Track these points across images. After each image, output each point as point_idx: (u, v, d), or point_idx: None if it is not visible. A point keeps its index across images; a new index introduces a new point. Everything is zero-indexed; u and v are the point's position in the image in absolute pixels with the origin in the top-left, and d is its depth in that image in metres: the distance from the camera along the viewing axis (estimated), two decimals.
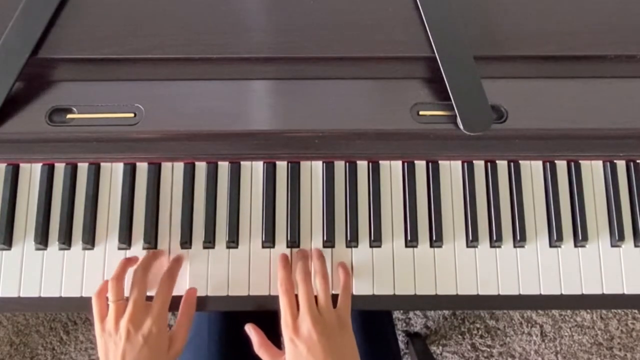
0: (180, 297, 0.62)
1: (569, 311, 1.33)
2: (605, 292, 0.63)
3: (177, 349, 0.59)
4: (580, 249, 0.64)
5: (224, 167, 0.65)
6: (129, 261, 0.61)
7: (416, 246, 0.64)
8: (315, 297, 0.59)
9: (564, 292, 0.63)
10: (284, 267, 0.61)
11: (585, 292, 0.63)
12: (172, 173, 0.65)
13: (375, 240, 0.64)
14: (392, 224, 0.64)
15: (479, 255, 0.64)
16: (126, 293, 0.59)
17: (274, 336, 0.65)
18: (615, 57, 0.61)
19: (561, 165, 0.66)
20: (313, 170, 0.66)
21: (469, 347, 1.32)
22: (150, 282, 0.60)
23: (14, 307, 0.63)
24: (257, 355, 0.62)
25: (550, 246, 0.64)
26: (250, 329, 0.62)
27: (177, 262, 0.63)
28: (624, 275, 0.64)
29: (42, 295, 0.63)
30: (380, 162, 0.66)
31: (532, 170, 0.66)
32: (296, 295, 0.59)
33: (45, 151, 0.63)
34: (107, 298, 0.58)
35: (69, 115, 0.60)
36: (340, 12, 0.60)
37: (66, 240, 0.63)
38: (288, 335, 0.57)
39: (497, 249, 0.64)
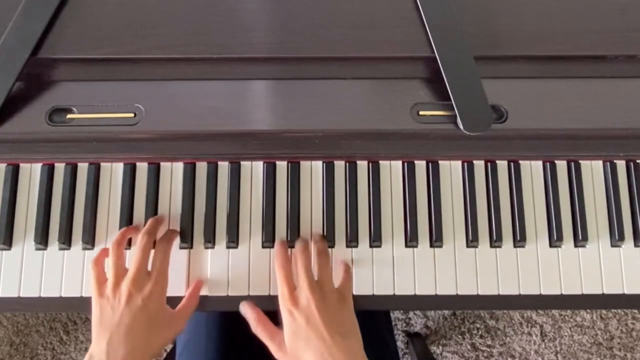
0: (179, 297, 0.62)
1: (569, 311, 1.33)
2: (605, 292, 0.63)
3: (176, 328, 0.58)
4: (580, 249, 0.64)
5: (224, 167, 0.65)
6: (129, 229, 0.62)
7: (416, 246, 0.64)
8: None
9: (564, 292, 0.63)
10: (281, 243, 0.61)
11: (585, 292, 0.63)
12: (172, 173, 0.65)
13: (375, 240, 0.64)
14: (392, 224, 0.64)
15: (479, 255, 0.64)
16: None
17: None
18: (615, 57, 0.61)
19: (561, 165, 0.66)
20: (313, 170, 0.66)
21: (469, 347, 1.32)
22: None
23: (14, 307, 0.63)
24: (256, 356, 0.61)
25: (550, 246, 0.64)
26: (245, 307, 0.60)
27: (173, 232, 0.63)
28: (624, 275, 0.64)
29: (42, 295, 0.63)
30: (380, 162, 0.66)
31: (532, 170, 0.66)
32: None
33: (45, 151, 0.63)
34: (104, 266, 0.59)
35: (69, 115, 0.60)
36: (340, 12, 0.60)
37: (66, 240, 0.63)
38: (286, 307, 0.55)
39: (497, 249, 0.64)
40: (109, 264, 0.59)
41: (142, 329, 0.54)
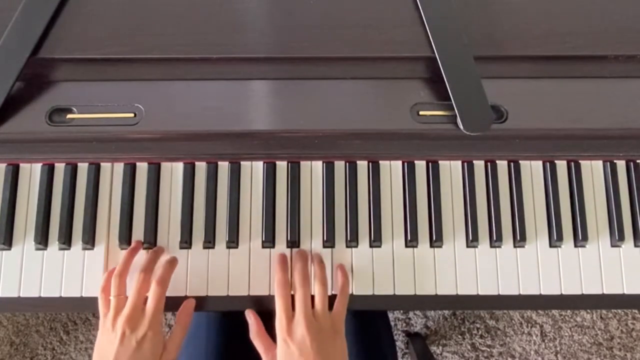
0: (179, 298, 0.62)
1: (569, 311, 1.33)
2: (605, 292, 0.63)
3: (170, 357, 0.59)
4: (580, 249, 0.64)
5: (224, 167, 0.65)
6: (131, 254, 0.61)
7: (416, 246, 0.64)
8: (312, 299, 0.59)
9: (564, 292, 0.63)
10: (282, 269, 0.61)
11: (585, 292, 0.63)
12: (172, 173, 0.65)
13: (375, 240, 0.64)
14: (392, 224, 0.64)
15: (479, 255, 0.64)
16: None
17: (272, 336, 0.65)
18: (615, 57, 0.61)
19: (561, 165, 0.66)
20: (313, 170, 0.66)
21: (469, 347, 1.32)
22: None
23: (14, 307, 0.63)
24: (255, 356, 0.62)
25: (550, 246, 0.64)
26: (250, 315, 0.62)
27: (170, 265, 0.61)
28: (624, 275, 0.64)
29: (42, 295, 0.63)
30: (380, 162, 0.66)
31: (532, 170, 0.66)
32: (292, 297, 0.59)
33: (45, 151, 0.63)
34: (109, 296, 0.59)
35: (69, 115, 0.60)
36: (340, 12, 0.60)
37: (66, 240, 0.63)
38: (282, 336, 0.57)
39: (497, 249, 0.64)
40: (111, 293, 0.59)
41: None
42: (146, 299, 0.58)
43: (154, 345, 0.57)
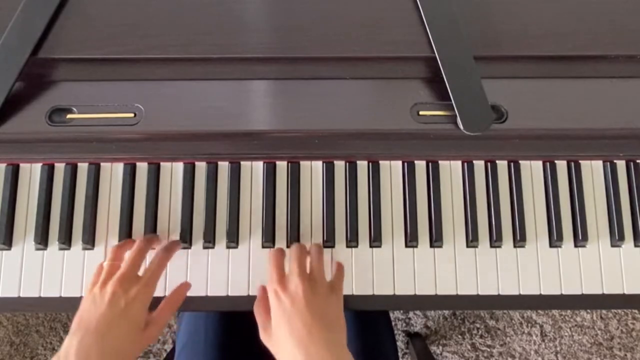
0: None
1: (569, 311, 1.33)
2: (605, 292, 0.63)
3: (151, 333, 0.55)
4: (580, 249, 0.64)
5: (224, 167, 0.65)
6: (133, 240, 0.62)
7: (416, 246, 0.64)
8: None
9: (564, 292, 0.63)
10: (277, 248, 0.61)
11: (585, 292, 0.63)
12: (172, 173, 0.65)
13: (375, 240, 0.64)
14: (392, 224, 0.64)
15: (479, 255, 0.64)
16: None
17: None
18: (615, 57, 0.61)
19: (561, 165, 0.66)
20: (313, 170, 0.66)
21: (469, 347, 1.32)
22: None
23: (14, 307, 0.63)
24: (255, 357, 0.61)
25: (550, 246, 0.64)
26: (260, 288, 0.61)
27: (176, 242, 0.62)
28: (624, 275, 0.64)
29: (42, 295, 0.63)
30: (380, 162, 0.66)
31: (532, 170, 0.66)
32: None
33: (45, 151, 0.63)
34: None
35: (69, 115, 0.60)
36: (340, 12, 0.60)
37: (66, 240, 0.63)
38: (273, 288, 0.55)
39: (497, 249, 0.64)
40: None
41: (118, 334, 0.52)
42: (139, 268, 0.57)
43: (140, 313, 0.54)
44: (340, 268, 0.62)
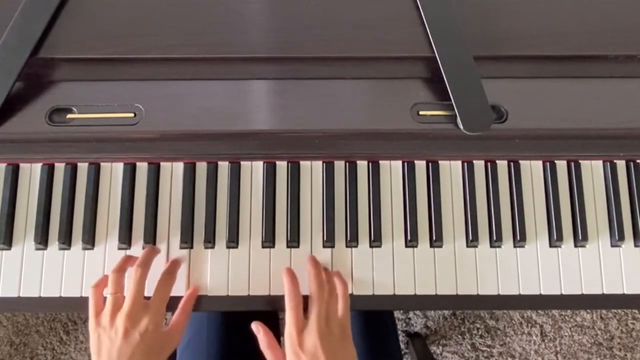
0: (178, 297, 0.62)
1: (569, 311, 1.33)
2: (605, 292, 0.63)
3: (172, 346, 0.58)
4: (580, 249, 0.64)
5: (224, 167, 0.65)
6: (130, 258, 0.61)
7: (416, 246, 0.64)
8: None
9: (564, 292, 0.63)
10: (292, 281, 0.60)
11: (585, 292, 0.63)
12: (172, 173, 0.65)
13: (375, 240, 0.64)
14: (392, 224, 0.64)
15: (479, 255, 0.64)
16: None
17: (277, 337, 0.65)
18: (615, 57, 0.61)
19: (561, 165, 0.66)
20: (313, 170, 0.66)
21: (469, 347, 1.32)
22: (148, 282, 0.60)
23: (14, 307, 0.63)
24: (255, 356, 0.61)
25: (550, 246, 0.64)
26: (258, 328, 0.61)
27: (176, 262, 0.63)
28: (624, 275, 0.64)
29: (42, 295, 0.63)
30: (380, 162, 0.66)
31: (532, 170, 0.66)
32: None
33: (45, 151, 0.63)
34: (103, 293, 0.58)
35: (69, 115, 0.60)
36: (340, 12, 0.60)
37: (66, 240, 0.63)
38: (292, 348, 0.56)
39: (497, 249, 0.64)
40: (107, 290, 0.58)
41: (141, 359, 0.55)
42: (143, 295, 0.58)
43: (156, 337, 0.56)
44: (345, 300, 0.61)
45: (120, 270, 0.59)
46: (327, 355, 0.55)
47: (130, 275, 0.58)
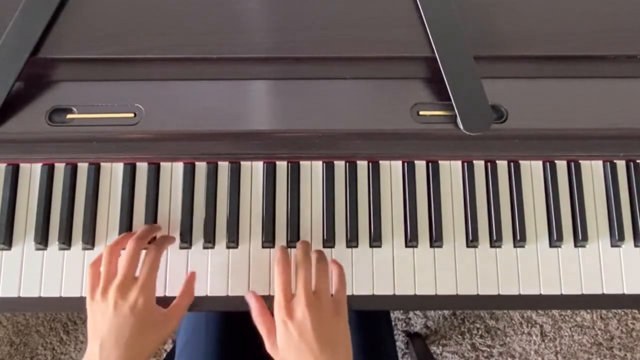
0: (174, 298, 0.62)
1: (569, 311, 1.33)
2: (605, 292, 0.63)
3: (170, 326, 0.58)
4: (580, 249, 0.64)
5: (224, 167, 0.65)
6: (129, 234, 0.61)
7: (416, 246, 0.64)
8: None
9: (564, 292, 0.63)
10: (282, 249, 0.60)
11: (585, 292, 0.63)
12: (172, 173, 0.65)
13: (375, 240, 0.64)
14: (392, 224, 0.64)
15: (479, 255, 0.64)
16: None
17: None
18: (615, 57, 0.61)
19: (561, 165, 0.66)
20: (313, 170, 0.66)
21: (469, 347, 1.32)
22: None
23: (14, 307, 0.63)
24: (254, 356, 0.61)
25: (550, 246, 0.64)
26: (250, 297, 0.61)
27: (167, 238, 0.63)
28: (624, 275, 0.64)
29: (42, 295, 0.63)
30: (380, 162, 0.66)
31: (532, 170, 0.66)
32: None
33: (45, 151, 0.63)
34: (100, 270, 0.58)
35: (69, 115, 0.60)
36: (340, 12, 0.60)
37: (66, 240, 0.63)
38: (280, 317, 0.56)
39: (497, 249, 0.64)
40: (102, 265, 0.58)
41: (132, 334, 0.55)
42: (136, 268, 0.58)
43: (148, 312, 0.56)
44: (341, 279, 0.61)
45: (116, 245, 0.59)
46: (315, 327, 0.54)
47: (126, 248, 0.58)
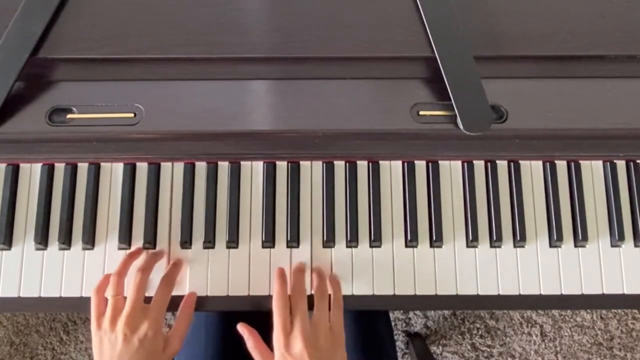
0: (180, 297, 0.62)
1: (569, 311, 1.33)
2: (605, 292, 0.63)
3: (172, 351, 0.59)
4: (580, 249, 0.64)
5: (224, 167, 0.65)
6: (131, 257, 0.61)
7: (416, 246, 0.64)
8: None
9: (564, 292, 0.63)
10: (280, 283, 0.60)
11: (585, 292, 0.63)
12: (172, 173, 0.65)
13: (375, 240, 0.64)
14: (392, 224, 0.64)
15: (479, 255, 0.64)
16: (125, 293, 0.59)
17: (269, 342, 0.65)
18: (615, 57, 0.61)
19: (561, 165, 0.66)
20: (313, 170, 0.66)
21: (469, 347, 1.32)
22: (149, 283, 0.60)
23: (14, 307, 0.63)
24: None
25: (550, 246, 0.64)
26: (243, 330, 0.62)
27: (176, 267, 0.62)
28: (624, 275, 0.64)
29: (42, 295, 0.63)
30: (380, 162, 0.66)
31: (532, 170, 0.66)
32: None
33: (45, 151, 0.63)
34: (105, 296, 0.58)
35: (69, 115, 0.60)
36: (340, 12, 0.60)
37: (66, 240, 0.63)
38: (280, 350, 0.57)
39: (497, 249, 0.64)
40: (108, 292, 0.59)
41: None
42: (144, 297, 0.58)
43: (156, 343, 0.57)
44: (339, 304, 0.61)
45: (121, 273, 0.59)
46: None
47: (132, 278, 0.59)
